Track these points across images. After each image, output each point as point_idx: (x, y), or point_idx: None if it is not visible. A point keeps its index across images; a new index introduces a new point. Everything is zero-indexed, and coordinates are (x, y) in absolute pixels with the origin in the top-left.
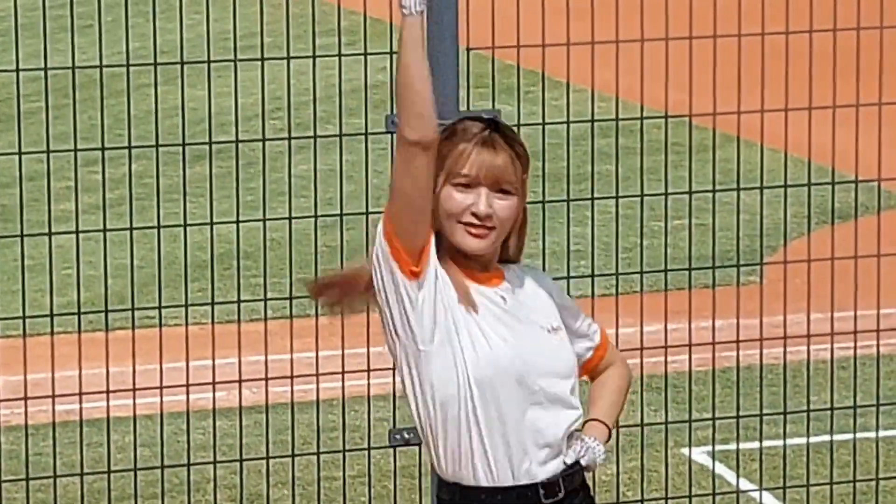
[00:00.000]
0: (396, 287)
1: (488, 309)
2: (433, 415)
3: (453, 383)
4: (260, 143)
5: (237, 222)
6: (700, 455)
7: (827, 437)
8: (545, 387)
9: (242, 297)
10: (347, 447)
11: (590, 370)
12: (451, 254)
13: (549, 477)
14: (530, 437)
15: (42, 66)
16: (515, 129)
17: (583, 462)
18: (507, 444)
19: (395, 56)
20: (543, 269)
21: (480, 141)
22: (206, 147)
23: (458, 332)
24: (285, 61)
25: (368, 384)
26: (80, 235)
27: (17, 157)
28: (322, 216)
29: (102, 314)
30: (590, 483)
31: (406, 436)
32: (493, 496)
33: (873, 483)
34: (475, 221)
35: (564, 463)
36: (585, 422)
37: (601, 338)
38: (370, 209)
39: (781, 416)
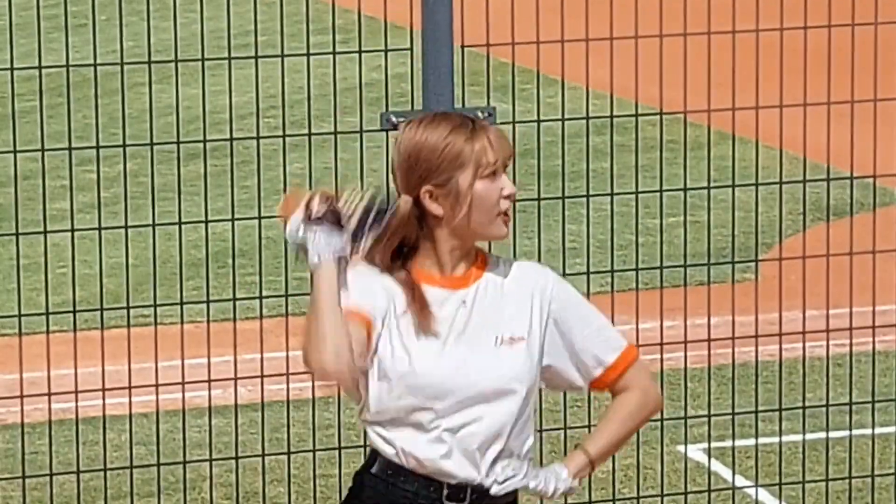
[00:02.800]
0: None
1: (436, 322)
2: (372, 385)
3: (384, 379)
4: (254, 142)
5: (232, 220)
6: (696, 452)
7: (822, 434)
8: (466, 405)
9: (238, 295)
10: (343, 444)
11: (603, 388)
12: (426, 258)
13: (459, 481)
14: (449, 448)
15: (36, 64)
16: (510, 126)
17: (494, 489)
18: (424, 444)
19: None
20: None
21: (479, 128)
22: (201, 145)
23: (389, 345)
24: (279, 59)
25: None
26: (75, 234)
27: (11, 155)
28: None
29: (98, 312)
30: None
31: None
32: (398, 475)
33: (869, 480)
34: (508, 206)
35: (479, 481)
36: (576, 447)
37: (619, 357)
38: None
39: (777, 413)
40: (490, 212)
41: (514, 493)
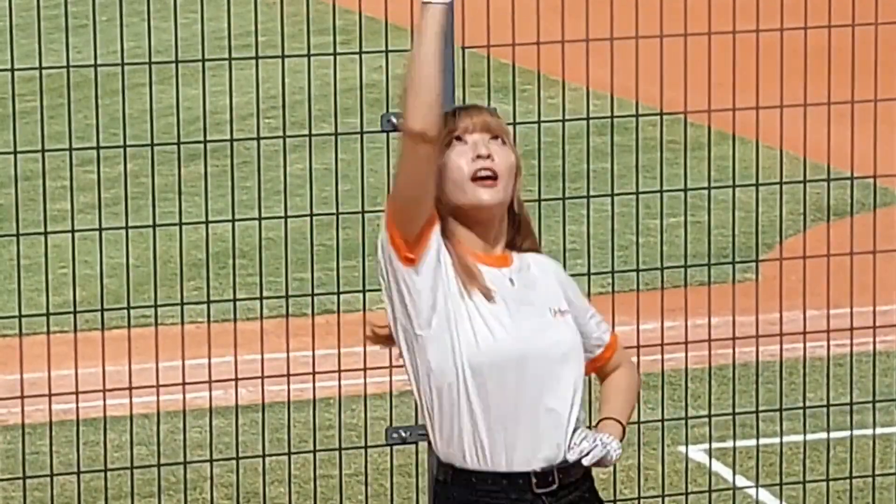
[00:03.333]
0: (395, 272)
1: (494, 292)
2: (430, 397)
3: (450, 369)
4: (255, 142)
5: (233, 221)
6: (696, 452)
7: (823, 435)
8: (545, 373)
9: (238, 296)
10: (344, 445)
11: (597, 369)
12: (462, 236)
13: (544, 466)
14: (528, 425)
15: (37, 65)
16: (511, 127)
17: (585, 461)
18: (502, 430)
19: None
20: None
21: (462, 107)
22: (202, 146)
23: (458, 318)
24: (280, 60)
25: (365, 383)
26: (76, 235)
27: (12, 156)
28: (318, 215)
29: (98, 313)
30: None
31: (403, 434)
32: (484, 480)
33: (870, 480)
34: (482, 166)
35: (566, 459)
36: (599, 420)
37: (611, 338)
38: (366, 208)
39: (778, 414)
40: (460, 177)
41: (590, 469)
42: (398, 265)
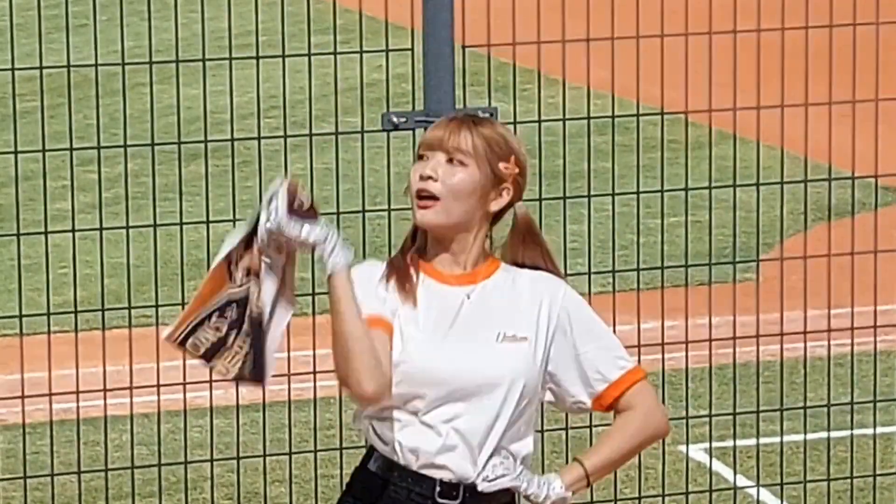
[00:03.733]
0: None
1: (431, 312)
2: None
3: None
4: (255, 142)
5: (233, 221)
6: (697, 452)
7: (824, 434)
8: (460, 396)
9: None
10: (345, 445)
11: (606, 405)
12: (430, 250)
13: (452, 479)
14: (435, 441)
15: (37, 65)
16: (511, 126)
17: (482, 486)
18: (412, 438)
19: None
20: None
21: (445, 121)
22: (202, 146)
23: (395, 330)
24: (280, 59)
25: None
26: (77, 234)
27: (12, 156)
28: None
29: (99, 313)
30: None
31: None
32: (393, 471)
33: (870, 480)
34: (421, 187)
35: (471, 478)
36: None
37: (624, 375)
38: (366, 208)
39: (778, 413)
40: (410, 195)
41: (511, 496)
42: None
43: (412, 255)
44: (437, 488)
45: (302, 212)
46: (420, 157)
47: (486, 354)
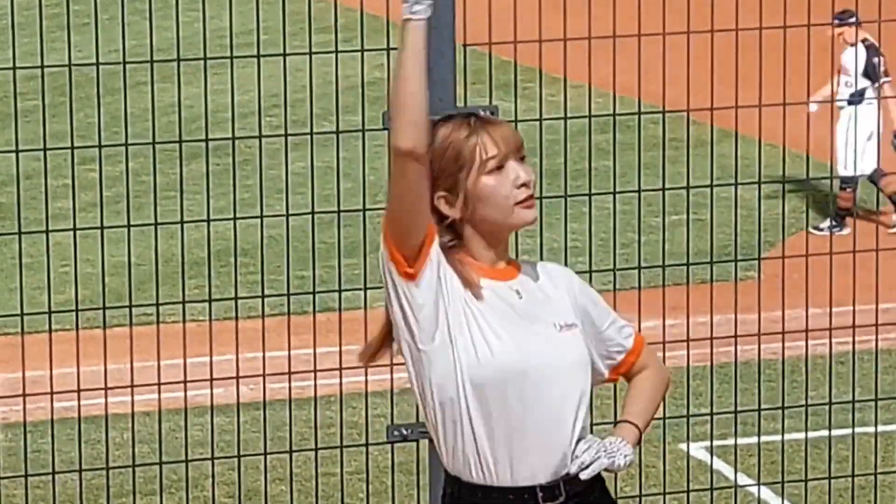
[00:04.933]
0: (396, 288)
1: (497, 306)
2: (434, 412)
3: (452, 383)
4: (256, 141)
5: (234, 219)
6: (698, 450)
7: (825, 433)
8: (549, 387)
9: (240, 294)
10: (345, 443)
11: (622, 374)
12: (475, 250)
13: (550, 480)
14: (532, 439)
15: (39, 64)
16: (513, 125)
17: (583, 475)
18: (506, 445)
19: (393, 60)
20: None
21: (481, 124)
22: (203, 144)
23: (459, 332)
24: (281, 58)
25: (366, 381)
26: (78, 233)
27: (14, 154)
28: (319, 213)
29: (100, 311)
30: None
31: (404, 432)
32: (489, 495)
33: (872, 478)
34: (526, 193)
35: (568, 470)
36: (616, 423)
37: (634, 342)
38: (367, 206)
39: (779, 412)
40: (504, 204)
41: (599, 473)
42: (398, 280)
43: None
44: (540, 493)
45: None
46: (501, 167)
47: (558, 343)
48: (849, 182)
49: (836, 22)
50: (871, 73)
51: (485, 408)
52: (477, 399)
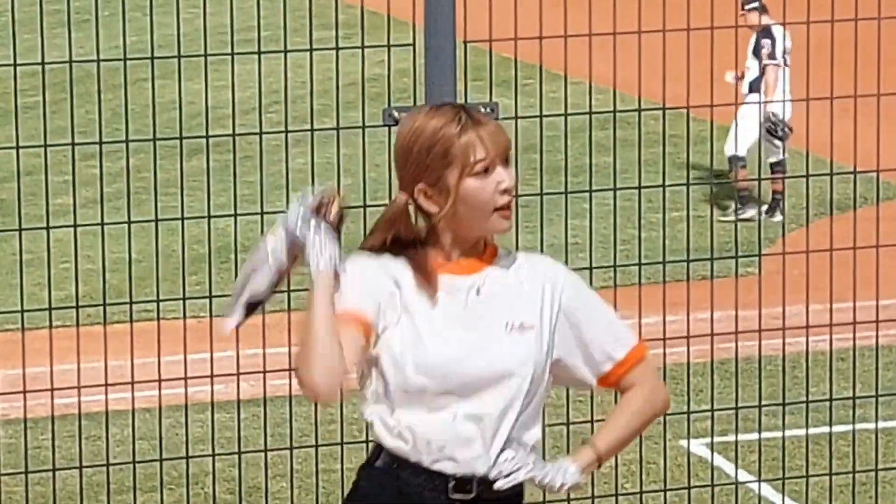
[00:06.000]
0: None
1: (444, 305)
2: (374, 375)
3: (388, 362)
4: (257, 137)
5: (235, 216)
6: (699, 447)
7: (826, 429)
8: (473, 387)
9: None
10: (346, 440)
11: (610, 384)
12: (446, 242)
13: (465, 474)
14: (447, 434)
15: (39, 60)
16: (513, 122)
17: (498, 483)
18: (423, 432)
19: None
20: None
21: (470, 123)
22: (204, 141)
23: (401, 325)
24: (282, 55)
25: None
26: (78, 229)
27: (14, 151)
28: None
29: (101, 308)
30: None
31: None
32: (404, 468)
33: (872, 474)
34: (506, 200)
35: (485, 472)
36: (583, 442)
37: (628, 353)
38: (368, 203)
39: (780, 408)
40: (484, 208)
41: (521, 486)
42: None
43: (425, 250)
44: (451, 483)
45: (324, 218)
46: (486, 170)
47: (497, 345)
48: (736, 161)
49: (745, 9)
50: (756, 54)
51: (410, 394)
52: (405, 383)
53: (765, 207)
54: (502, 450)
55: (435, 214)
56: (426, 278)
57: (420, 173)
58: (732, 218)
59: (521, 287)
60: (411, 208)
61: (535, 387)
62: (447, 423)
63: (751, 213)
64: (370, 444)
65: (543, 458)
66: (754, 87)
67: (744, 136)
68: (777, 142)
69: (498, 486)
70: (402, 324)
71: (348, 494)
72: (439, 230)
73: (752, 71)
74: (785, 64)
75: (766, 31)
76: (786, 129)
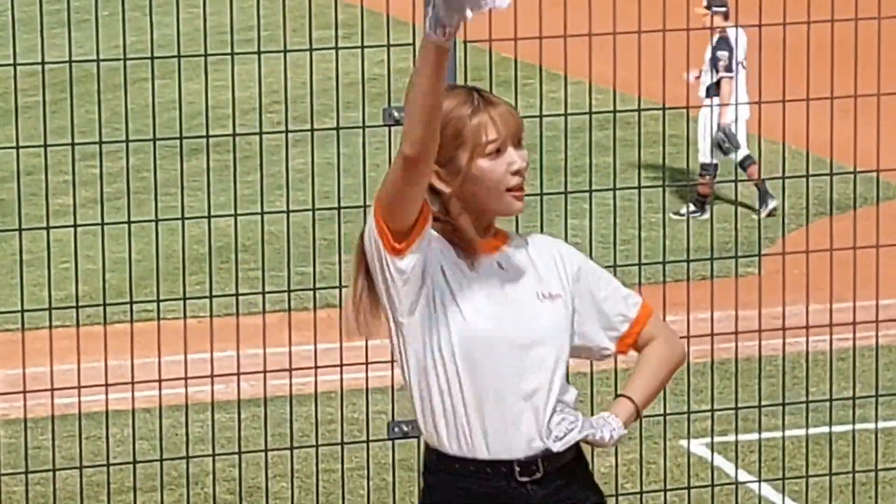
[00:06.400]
0: (382, 261)
1: (477, 279)
2: (413, 381)
3: (429, 355)
4: (257, 137)
5: (235, 216)
6: (699, 447)
7: (826, 429)
8: (521, 357)
9: (240, 291)
10: (346, 440)
11: (628, 344)
12: (462, 223)
13: (527, 455)
14: (504, 411)
15: (39, 60)
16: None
17: (556, 447)
18: (480, 417)
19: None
20: None
21: (483, 104)
22: (204, 141)
23: (438, 303)
24: (282, 55)
25: (367, 377)
26: (78, 229)
27: (14, 151)
28: (320, 209)
29: (101, 308)
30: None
31: (404, 428)
32: (466, 466)
33: (872, 474)
34: (518, 181)
35: (544, 444)
36: (616, 396)
37: (640, 311)
38: (368, 202)
39: (780, 408)
40: (496, 189)
41: (580, 450)
42: (385, 254)
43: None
44: (517, 468)
45: None
46: (498, 151)
47: (539, 312)
48: (707, 169)
49: (708, 10)
50: (713, 65)
51: (459, 378)
52: (453, 368)
53: (692, 207)
54: (551, 416)
55: (446, 195)
56: (472, 250)
57: None
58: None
59: (537, 262)
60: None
61: (568, 350)
62: (500, 407)
63: (705, 216)
64: (369, 444)
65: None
66: (710, 92)
67: (705, 141)
68: (721, 154)
69: (556, 448)
70: (447, 297)
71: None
72: (453, 213)
73: (708, 77)
74: (743, 67)
75: (723, 41)
76: (732, 145)
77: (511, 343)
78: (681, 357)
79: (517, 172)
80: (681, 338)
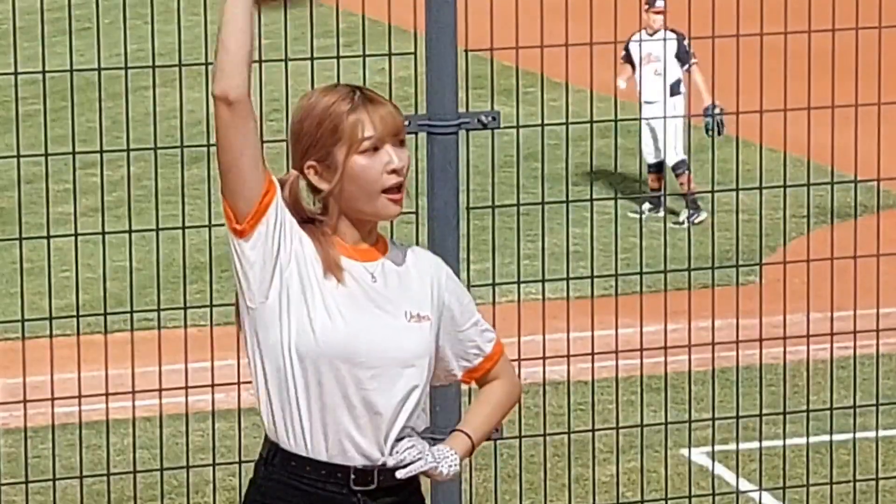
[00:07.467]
0: (230, 242)
1: (346, 286)
2: (259, 372)
3: (278, 350)
4: None
5: None
6: (699, 455)
7: (826, 437)
8: (376, 374)
9: None
10: None
11: (475, 379)
12: (342, 228)
13: (366, 465)
14: (349, 421)
15: (40, 68)
16: (514, 130)
17: (400, 473)
18: (322, 421)
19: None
20: (543, 270)
21: (364, 102)
22: (205, 149)
23: (298, 301)
24: (283, 63)
25: None
26: (79, 238)
27: (15, 159)
28: None
29: (101, 317)
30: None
31: None
32: (303, 466)
33: (873, 483)
34: (395, 182)
35: (385, 462)
36: (452, 431)
37: (493, 349)
38: None
39: (781, 417)
40: (372, 188)
41: (416, 476)
42: (230, 234)
43: (324, 228)
44: (352, 476)
45: None
46: (376, 149)
47: (402, 333)
48: (681, 167)
49: (647, 7)
50: (682, 56)
51: (307, 380)
52: (301, 369)
53: (688, 213)
54: (398, 438)
55: (324, 191)
56: (333, 260)
57: (310, 149)
58: (686, 224)
59: (413, 280)
60: (303, 185)
61: (429, 376)
62: (345, 414)
63: (704, 215)
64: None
65: (545, 475)
66: (675, 89)
67: (675, 139)
68: (717, 134)
69: (400, 475)
70: (308, 297)
71: (246, 493)
72: (331, 211)
73: (672, 73)
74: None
75: (674, 33)
76: (720, 126)
77: (366, 357)
78: (518, 397)
79: (394, 171)
80: (682, 346)
